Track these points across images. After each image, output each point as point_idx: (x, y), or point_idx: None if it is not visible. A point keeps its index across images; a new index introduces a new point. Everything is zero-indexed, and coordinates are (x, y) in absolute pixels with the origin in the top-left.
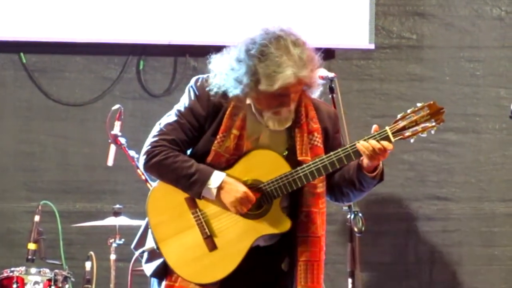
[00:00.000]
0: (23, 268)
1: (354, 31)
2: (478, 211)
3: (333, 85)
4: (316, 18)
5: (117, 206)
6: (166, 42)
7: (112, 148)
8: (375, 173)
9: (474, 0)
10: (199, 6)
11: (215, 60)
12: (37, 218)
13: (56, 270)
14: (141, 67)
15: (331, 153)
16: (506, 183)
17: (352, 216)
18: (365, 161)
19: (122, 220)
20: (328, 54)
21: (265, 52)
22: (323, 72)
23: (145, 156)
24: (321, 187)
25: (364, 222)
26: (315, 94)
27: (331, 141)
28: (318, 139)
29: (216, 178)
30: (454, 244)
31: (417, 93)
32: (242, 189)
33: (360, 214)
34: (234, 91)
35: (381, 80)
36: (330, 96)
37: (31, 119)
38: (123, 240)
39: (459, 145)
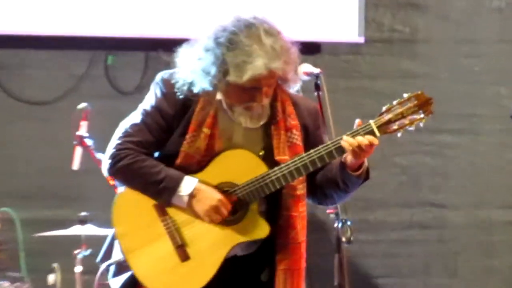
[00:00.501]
0: None
1: (342, 23)
2: (476, 219)
3: (318, 82)
4: (301, 9)
5: (83, 213)
6: (136, 35)
7: (78, 150)
8: (359, 172)
9: None
10: None
11: (182, 52)
12: None
13: (17, 283)
14: (109, 62)
15: (311, 150)
16: (505, 188)
17: (340, 225)
18: (349, 158)
19: (89, 229)
20: (313, 49)
21: (234, 40)
22: (307, 67)
23: (110, 160)
24: (301, 189)
25: (353, 231)
26: (293, 88)
27: (311, 139)
28: (297, 136)
29: (188, 184)
30: (450, 254)
31: (410, 91)
32: (216, 196)
33: (348, 222)
34: (202, 83)
35: (371, 77)
36: (315, 94)
37: None
38: (90, 250)
39: (456, 147)
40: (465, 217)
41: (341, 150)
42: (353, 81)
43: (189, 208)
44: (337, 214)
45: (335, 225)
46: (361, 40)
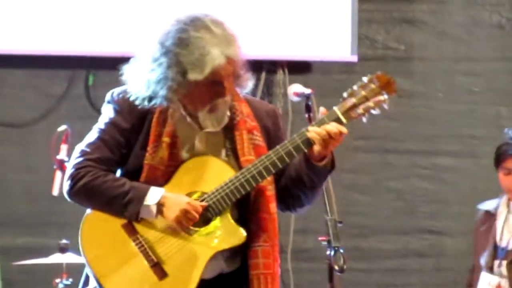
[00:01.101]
0: None
1: (334, 41)
2: None
3: (309, 103)
4: (290, 26)
5: (64, 241)
6: (118, 53)
7: (58, 175)
8: (324, 161)
9: (471, 6)
10: (154, 13)
11: (127, 71)
12: None
13: None
14: (90, 82)
15: (278, 146)
16: None
17: (332, 252)
18: (316, 149)
19: (70, 257)
20: (304, 68)
21: (184, 37)
22: (298, 88)
23: (69, 181)
24: (270, 190)
25: (346, 259)
26: (245, 88)
27: (273, 140)
28: (259, 137)
29: (154, 193)
30: (448, 284)
31: (405, 112)
32: (185, 200)
33: (341, 250)
34: (161, 92)
35: None
36: (306, 115)
37: None
38: (71, 280)
39: (454, 171)
40: (464, 245)
41: (308, 142)
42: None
43: (159, 222)
44: (329, 242)
45: (327, 253)
46: (354, 58)
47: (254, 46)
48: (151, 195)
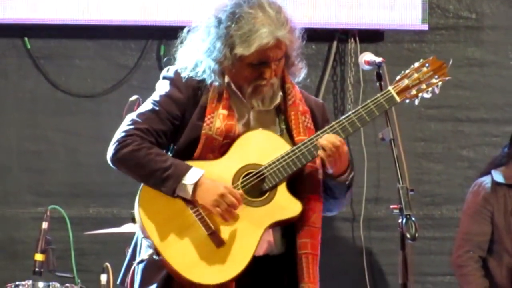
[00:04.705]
0: (29, 282)
1: (405, 9)
2: None
3: (380, 72)
4: None
5: None
6: (191, 23)
7: None
8: (343, 178)
9: None
10: None
11: (184, 38)
12: (44, 225)
13: (67, 284)
14: (162, 52)
15: (333, 122)
16: None
17: (404, 221)
18: (327, 166)
19: None
20: (375, 37)
21: (238, 12)
22: (369, 56)
23: (114, 146)
24: (321, 174)
25: (418, 227)
26: (298, 76)
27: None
28: (309, 121)
29: (194, 173)
30: None
31: (477, 80)
32: (222, 184)
33: (413, 218)
34: (207, 63)
35: None
36: (377, 83)
37: (37, 113)
38: None
39: None
40: None
41: (363, 119)
42: None
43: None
44: (401, 210)
45: (399, 221)
46: (424, 27)
47: (326, 15)
48: (191, 174)
